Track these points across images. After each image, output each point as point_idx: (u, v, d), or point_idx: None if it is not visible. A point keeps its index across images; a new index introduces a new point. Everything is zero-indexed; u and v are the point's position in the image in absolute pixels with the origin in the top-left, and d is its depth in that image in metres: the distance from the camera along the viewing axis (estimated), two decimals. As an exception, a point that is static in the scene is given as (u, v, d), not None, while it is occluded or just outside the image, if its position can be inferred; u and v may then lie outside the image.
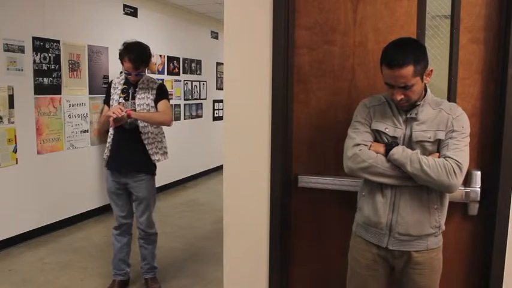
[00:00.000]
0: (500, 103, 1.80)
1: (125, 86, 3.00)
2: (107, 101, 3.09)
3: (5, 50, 3.89)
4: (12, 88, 3.98)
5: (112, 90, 3.03)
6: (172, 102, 6.52)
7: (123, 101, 2.96)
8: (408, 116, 1.66)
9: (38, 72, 4.23)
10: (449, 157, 1.57)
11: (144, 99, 2.97)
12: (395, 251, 1.70)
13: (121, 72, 3.02)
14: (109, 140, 3.01)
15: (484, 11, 1.83)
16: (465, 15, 1.84)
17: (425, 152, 1.63)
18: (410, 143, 1.65)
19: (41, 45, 4.26)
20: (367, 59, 1.94)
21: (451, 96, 1.87)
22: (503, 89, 1.78)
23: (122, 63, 2.93)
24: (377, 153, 1.64)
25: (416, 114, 1.65)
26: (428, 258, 1.69)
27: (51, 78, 4.39)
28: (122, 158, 2.97)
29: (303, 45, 2.02)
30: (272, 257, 2.09)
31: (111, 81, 3.10)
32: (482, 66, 1.85)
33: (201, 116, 7.35)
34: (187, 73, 6.87)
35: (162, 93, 3.04)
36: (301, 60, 2.03)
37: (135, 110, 2.92)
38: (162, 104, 3.03)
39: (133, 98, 2.96)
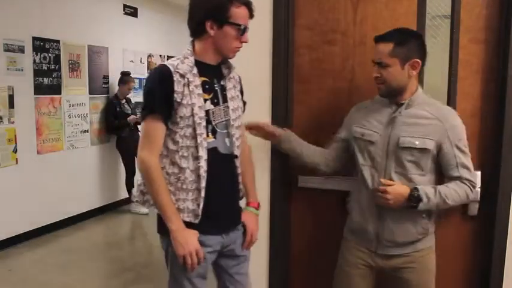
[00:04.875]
0: (500, 103, 1.80)
1: (204, 78, 1.58)
2: (164, 109, 1.52)
3: (5, 50, 3.89)
4: (12, 88, 3.98)
5: (178, 87, 1.51)
6: (172, 102, 6.51)
7: (213, 106, 1.59)
8: (393, 115, 1.62)
9: (38, 72, 4.23)
10: (466, 179, 1.59)
11: (236, 100, 1.68)
12: (385, 254, 1.69)
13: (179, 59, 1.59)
14: (201, 183, 1.54)
15: (484, 11, 1.83)
16: (465, 15, 1.84)
17: (414, 159, 1.59)
18: (394, 146, 1.61)
19: (41, 45, 4.26)
20: (368, 59, 1.93)
21: (451, 96, 1.87)
22: (503, 89, 1.78)
23: (224, 19, 1.51)
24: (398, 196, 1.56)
25: (400, 112, 1.61)
26: (418, 257, 1.68)
27: (51, 78, 4.39)
28: (227, 207, 1.67)
29: (303, 45, 2.02)
30: (272, 256, 2.09)
31: (168, 71, 1.52)
32: (482, 66, 1.85)
33: (201, 116, 7.34)
34: (187, 73, 6.87)
35: (242, 91, 1.79)
36: (302, 60, 2.03)
37: (226, 123, 1.63)
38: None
39: (225, 99, 1.64)
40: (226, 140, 1.62)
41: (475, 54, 1.85)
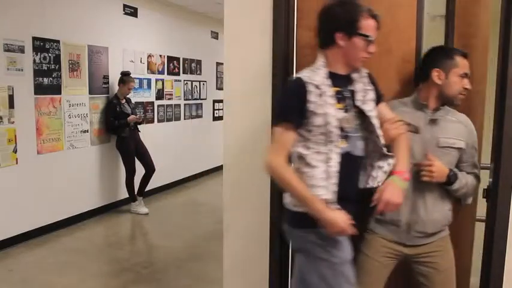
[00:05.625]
0: (500, 102, 1.81)
1: (337, 88, 1.65)
2: (297, 119, 1.61)
3: (5, 50, 3.89)
4: (12, 88, 3.98)
5: (311, 97, 1.59)
6: (172, 102, 6.52)
7: (345, 114, 1.65)
8: (432, 118, 1.79)
9: (38, 72, 4.23)
10: (477, 176, 1.86)
11: (368, 103, 1.69)
12: (412, 244, 1.83)
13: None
14: (331, 181, 1.59)
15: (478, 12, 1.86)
16: (459, 20, 1.92)
17: (449, 157, 1.78)
18: (434, 146, 1.77)
19: (41, 45, 4.26)
20: (369, 61, 1.94)
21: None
22: (503, 89, 1.78)
23: (354, 30, 1.59)
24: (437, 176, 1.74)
25: (441, 116, 1.79)
26: (442, 243, 1.85)
27: (51, 78, 4.39)
28: (357, 212, 1.68)
29: (307, 46, 2.02)
30: (272, 257, 2.09)
31: (303, 82, 1.61)
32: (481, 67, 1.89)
33: (201, 116, 7.35)
34: (187, 73, 6.87)
35: (375, 84, 1.76)
36: (306, 61, 2.02)
37: (357, 127, 1.67)
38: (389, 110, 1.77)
39: (355, 104, 1.68)
40: (359, 142, 1.67)
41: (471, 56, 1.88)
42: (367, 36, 1.59)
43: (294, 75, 1.63)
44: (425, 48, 1.91)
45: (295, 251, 1.72)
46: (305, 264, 1.68)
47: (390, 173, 1.66)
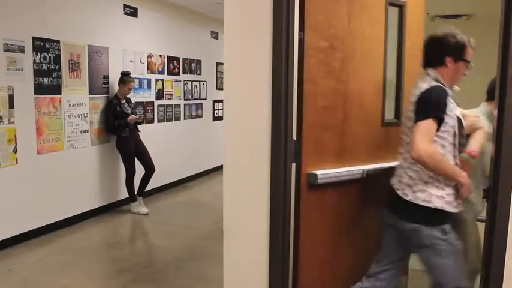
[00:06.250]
0: (500, 102, 1.81)
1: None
2: (441, 116, 1.91)
3: (5, 50, 3.89)
4: (12, 88, 3.98)
5: (447, 101, 1.94)
6: (172, 102, 6.53)
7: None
8: None
9: (38, 72, 4.23)
10: None
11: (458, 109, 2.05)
12: None
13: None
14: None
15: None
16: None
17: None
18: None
19: (41, 45, 4.26)
20: (358, 64, 2.03)
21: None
22: (503, 89, 1.78)
23: (462, 56, 1.98)
24: None
25: None
26: None
27: (51, 78, 4.39)
28: None
29: (312, 47, 2.04)
30: (272, 257, 2.09)
31: (445, 88, 1.95)
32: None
33: (201, 116, 7.35)
34: (187, 73, 6.87)
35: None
36: (311, 61, 2.05)
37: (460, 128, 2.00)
38: None
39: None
40: (462, 139, 2.00)
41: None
42: (469, 62, 1.96)
43: (428, 85, 1.92)
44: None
45: (419, 247, 1.96)
46: (433, 257, 1.94)
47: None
